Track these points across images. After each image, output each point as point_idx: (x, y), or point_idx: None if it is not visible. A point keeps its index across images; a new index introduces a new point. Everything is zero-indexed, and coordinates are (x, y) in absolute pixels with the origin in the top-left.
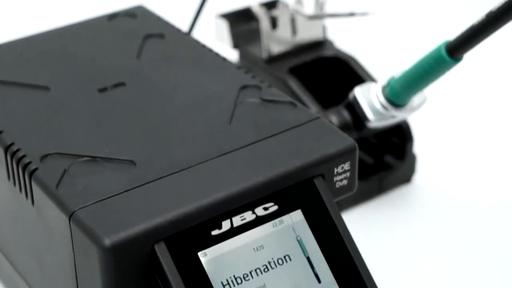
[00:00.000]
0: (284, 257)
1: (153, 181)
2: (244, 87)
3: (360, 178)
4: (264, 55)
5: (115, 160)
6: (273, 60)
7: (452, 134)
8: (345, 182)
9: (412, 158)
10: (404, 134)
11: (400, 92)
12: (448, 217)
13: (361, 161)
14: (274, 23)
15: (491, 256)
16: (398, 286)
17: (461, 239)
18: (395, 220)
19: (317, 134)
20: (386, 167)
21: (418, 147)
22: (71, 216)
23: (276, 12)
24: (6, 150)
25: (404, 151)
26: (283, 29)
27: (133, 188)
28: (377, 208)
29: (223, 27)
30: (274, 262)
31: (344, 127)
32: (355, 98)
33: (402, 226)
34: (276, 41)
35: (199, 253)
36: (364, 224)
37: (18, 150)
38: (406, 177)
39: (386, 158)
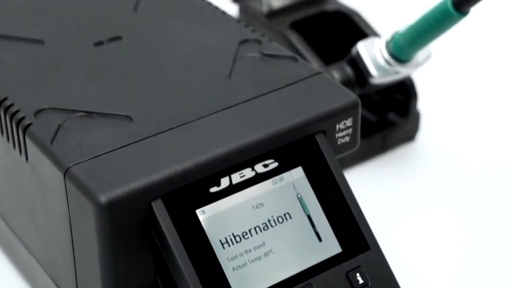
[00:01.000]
0: (284, 215)
1: (150, 136)
2: (244, 41)
3: (362, 136)
4: (265, 9)
5: (111, 116)
6: (273, 14)
7: (457, 91)
8: (347, 139)
9: (416, 116)
10: (408, 91)
11: (405, 47)
12: (452, 176)
13: (363, 119)
14: None
15: (494, 214)
16: (400, 244)
17: (465, 198)
18: (398, 178)
19: (319, 89)
20: (389, 125)
21: (422, 104)
22: (66, 172)
23: None
24: None
25: (407, 108)
26: None
27: (130, 144)
28: (380, 166)
29: None
30: (274, 220)
31: (346, 83)
32: (358, 53)
33: (405, 185)
34: None
35: (197, 211)
36: (366, 183)
37: (11, 105)
38: (409, 135)
39: (389, 115)
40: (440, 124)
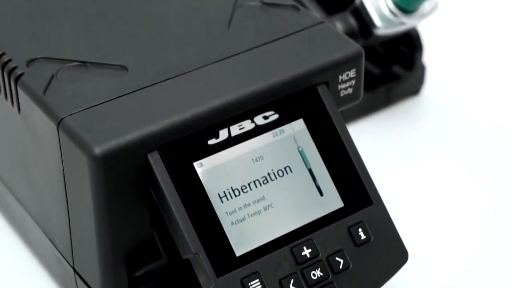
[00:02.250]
0: (285, 168)
1: (146, 87)
2: None
3: (366, 89)
4: None
5: (106, 65)
6: None
7: (464, 43)
8: (350, 90)
9: (421, 69)
10: (413, 43)
11: None
12: (457, 131)
13: (367, 72)
14: None
15: (498, 167)
16: (403, 199)
17: (470, 153)
18: (402, 133)
19: (321, 39)
20: (394, 78)
21: (428, 57)
22: (59, 123)
23: None
24: None
25: (413, 60)
26: None
27: (125, 94)
28: (384, 120)
29: None
30: (274, 173)
31: (349, 34)
32: (362, 3)
33: (409, 139)
34: None
35: (195, 163)
36: (369, 137)
37: (3, 54)
38: (414, 88)
39: (393, 68)
40: (446, 78)
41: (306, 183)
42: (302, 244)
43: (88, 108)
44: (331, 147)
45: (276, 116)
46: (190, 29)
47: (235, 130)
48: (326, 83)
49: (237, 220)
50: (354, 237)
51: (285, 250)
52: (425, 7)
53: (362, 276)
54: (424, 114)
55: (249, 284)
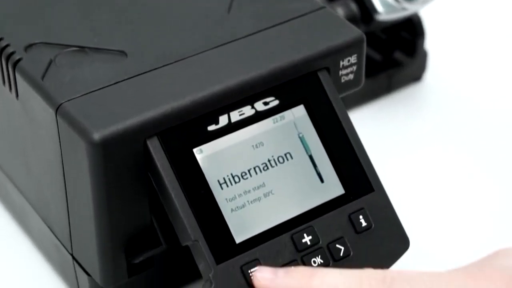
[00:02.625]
0: (285, 155)
1: (145, 72)
2: None
3: (367, 75)
4: None
5: (105, 51)
6: None
7: (467, 29)
8: (351, 76)
9: (423, 55)
10: (415, 29)
11: None
12: (459, 118)
13: (368, 58)
14: None
15: (501, 154)
16: (404, 186)
17: (472, 141)
18: (404, 120)
19: (322, 24)
20: (395, 64)
21: (430, 43)
22: (57, 109)
23: None
24: None
25: (414, 47)
26: None
27: (124, 80)
28: (385, 107)
29: None
30: (274, 160)
31: (351, 19)
32: None
33: (411, 126)
34: None
35: (195, 150)
36: (371, 123)
37: (0, 39)
38: (416, 75)
39: (395, 54)
40: (448, 64)
41: (307, 169)
42: (303, 231)
43: (87, 93)
44: (332, 133)
45: (276, 102)
46: (189, 14)
47: (235, 116)
48: (327, 69)
49: (237, 207)
50: (355, 224)
51: (285, 237)
52: None
53: (363, 264)
54: (426, 101)
55: (249, 271)
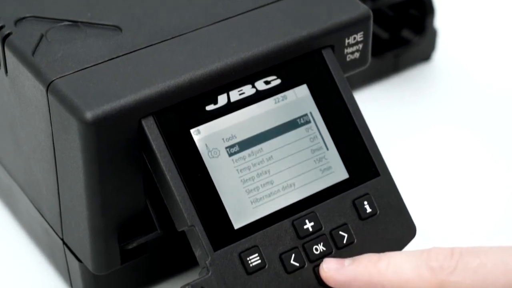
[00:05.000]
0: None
1: (141, 49)
2: None
3: (373, 54)
4: None
5: (99, 26)
6: None
7: (477, 6)
8: (356, 55)
9: (433, 33)
10: (424, 6)
11: None
12: (469, 99)
13: (375, 36)
14: None
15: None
16: (411, 170)
17: (482, 122)
18: (411, 101)
19: (326, 0)
20: (403, 43)
21: (440, 21)
22: (48, 86)
23: None
24: None
25: (423, 25)
26: None
27: (119, 56)
28: (392, 88)
29: None
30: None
31: None
32: None
33: (419, 108)
34: None
35: (192, 130)
36: (377, 105)
37: None
38: (425, 54)
39: (403, 32)
40: (458, 43)
41: (309, 153)
42: (304, 217)
43: (79, 70)
44: (336, 114)
45: (278, 81)
46: None
47: (235, 95)
48: (332, 47)
49: None
50: (359, 210)
51: (286, 223)
52: None
53: (367, 252)
54: (435, 82)
55: (248, 258)
